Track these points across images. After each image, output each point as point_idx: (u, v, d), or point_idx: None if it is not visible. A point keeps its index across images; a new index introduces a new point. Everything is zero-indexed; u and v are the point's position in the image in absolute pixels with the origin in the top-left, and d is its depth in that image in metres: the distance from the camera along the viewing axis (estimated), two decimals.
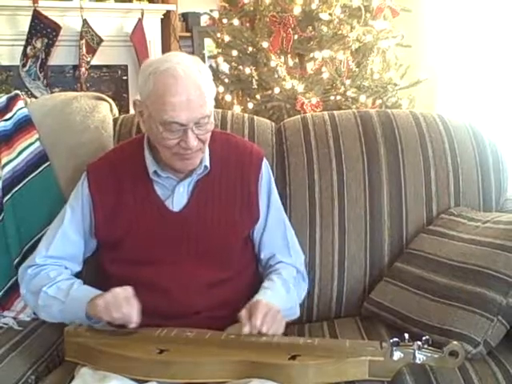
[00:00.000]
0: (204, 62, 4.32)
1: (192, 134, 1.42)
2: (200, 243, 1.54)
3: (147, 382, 1.29)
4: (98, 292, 1.45)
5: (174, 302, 1.49)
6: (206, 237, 1.54)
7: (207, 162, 1.55)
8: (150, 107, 1.44)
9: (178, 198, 1.54)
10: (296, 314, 1.60)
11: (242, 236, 1.60)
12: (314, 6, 2.76)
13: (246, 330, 1.34)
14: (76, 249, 1.59)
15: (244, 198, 1.58)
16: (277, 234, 1.64)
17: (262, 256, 1.64)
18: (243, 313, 1.38)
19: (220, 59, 3.10)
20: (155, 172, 1.53)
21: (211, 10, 4.13)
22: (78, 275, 1.60)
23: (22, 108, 1.89)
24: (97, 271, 1.62)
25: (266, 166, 1.65)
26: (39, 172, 1.79)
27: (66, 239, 1.57)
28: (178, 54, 1.49)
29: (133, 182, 1.56)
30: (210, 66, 3.18)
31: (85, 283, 1.54)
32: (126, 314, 1.36)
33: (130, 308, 1.37)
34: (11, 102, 1.91)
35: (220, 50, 3.15)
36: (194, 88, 1.40)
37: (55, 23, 3.73)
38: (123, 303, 1.37)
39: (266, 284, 1.54)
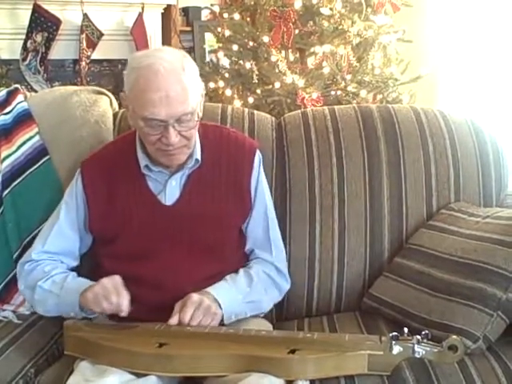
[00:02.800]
0: (204, 56, 4.30)
1: (173, 130, 1.41)
2: (193, 236, 1.54)
3: (147, 375, 1.29)
4: (91, 283, 1.46)
5: (169, 296, 1.48)
6: (200, 230, 1.54)
7: (198, 156, 1.54)
8: (132, 102, 1.44)
9: (170, 191, 1.54)
10: (261, 309, 1.58)
11: (235, 228, 1.60)
12: (314, 1, 2.75)
13: (173, 321, 1.38)
14: (71, 244, 1.59)
15: (236, 190, 1.58)
16: (259, 227, 1.62)
17: (246, 250, 1.64)
18: (176, 305, 1.41)
19: (220, 54, 3.09)
20: (146, 166, 1.53)
21: (212, 5, 4.12)
22: (74, 270, 1.59)
23: (21, 102, 1.89)
24: (93, 267, 1.62)
25: (258, 157, 1.64)
26: (39, 166, 1.79)
27: (62, 235, 1.58)
28: (162, 49, 1.49)
29: (125, 177, 1.56)
30: (211, 61, 3.17)
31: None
32: (115, 303, 1.37)
33: (119, 297, 1.38)
34: (11, 95, 1.91)
35: (221, 45, 3.14)
36: (174, 84, 1.39)
37: (55, 17, 3.72)
38: (112, 293, 1.38)
39: (227, 277, 1.54)
